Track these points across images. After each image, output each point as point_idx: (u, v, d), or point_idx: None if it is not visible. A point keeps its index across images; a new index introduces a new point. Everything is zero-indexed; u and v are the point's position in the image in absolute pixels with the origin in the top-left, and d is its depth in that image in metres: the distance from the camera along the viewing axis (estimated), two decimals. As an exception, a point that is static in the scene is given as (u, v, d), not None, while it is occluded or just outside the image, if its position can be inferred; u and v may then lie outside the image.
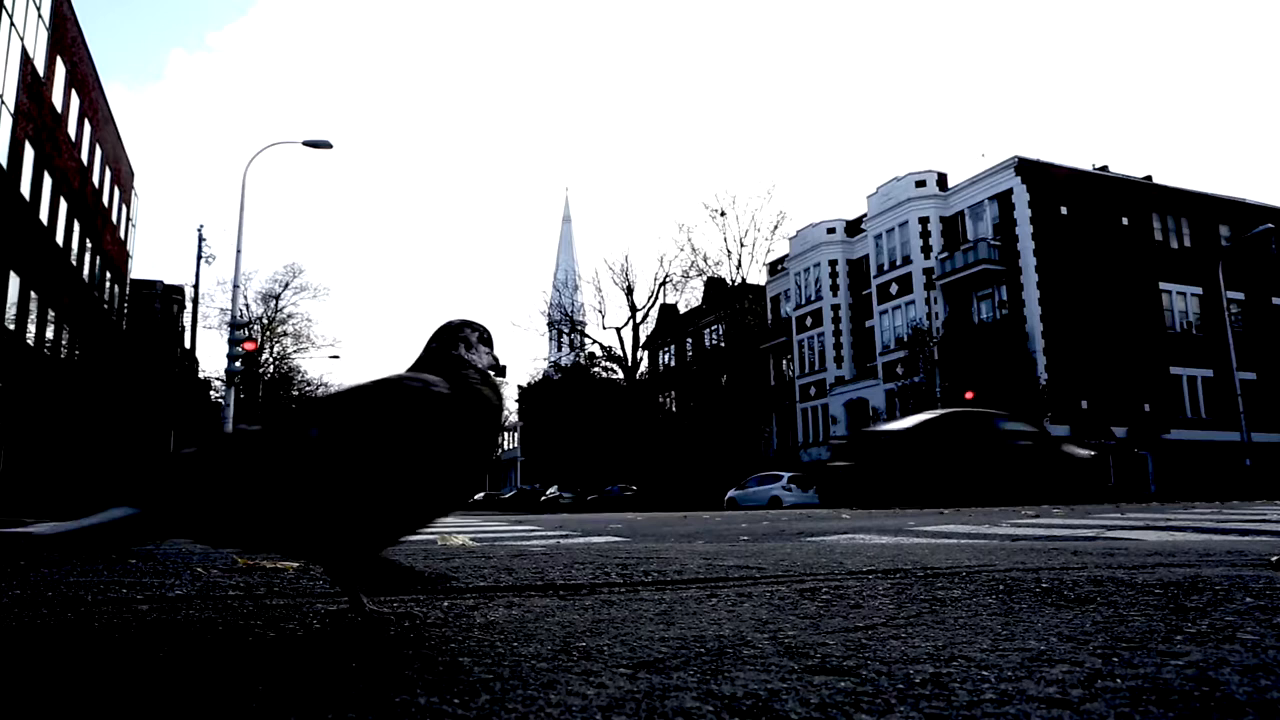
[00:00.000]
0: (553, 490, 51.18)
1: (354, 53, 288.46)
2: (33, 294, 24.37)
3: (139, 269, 47.66)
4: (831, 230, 45.01)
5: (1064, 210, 34.59)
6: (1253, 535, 6.22)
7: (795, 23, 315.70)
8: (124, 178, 36.90)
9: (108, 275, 34.36)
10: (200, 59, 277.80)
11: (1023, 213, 33.97)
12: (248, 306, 46.75)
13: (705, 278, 50.19)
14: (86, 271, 30.80)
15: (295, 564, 2.97)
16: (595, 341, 53.47)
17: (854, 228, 43.97)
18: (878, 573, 2.78)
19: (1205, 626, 1.65)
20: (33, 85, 23.54)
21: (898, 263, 38.81)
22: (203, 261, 34.26)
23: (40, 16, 23.96)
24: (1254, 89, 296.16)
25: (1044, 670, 1.27)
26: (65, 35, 26.49)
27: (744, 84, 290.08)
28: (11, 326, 22.87)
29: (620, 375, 52.86)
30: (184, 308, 43.25)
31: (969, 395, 31.43)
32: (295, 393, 55.02)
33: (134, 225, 39.73)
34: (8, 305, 22.51)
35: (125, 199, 37.48)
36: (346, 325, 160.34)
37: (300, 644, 1.50)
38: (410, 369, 1.64)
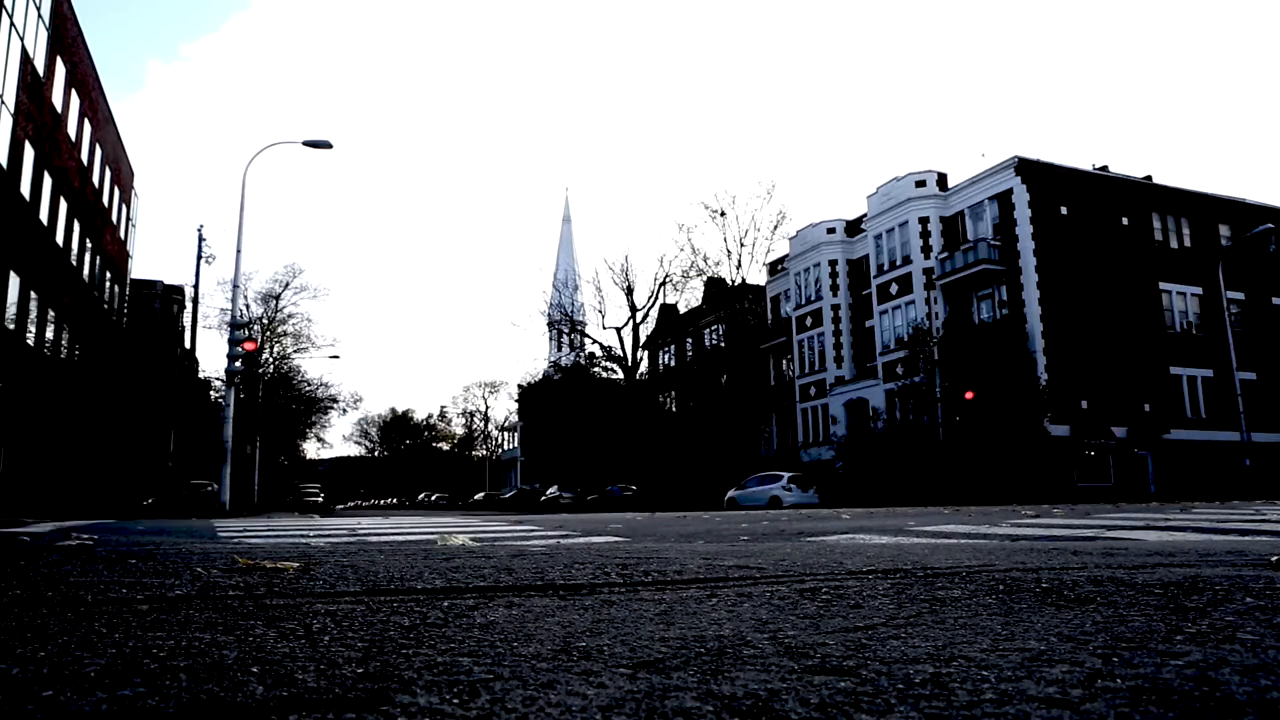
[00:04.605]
0: (553, 490, 51.15)
1: (354, 53, 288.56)
2: (33, 294, 24.38)
3: (139, 269, 47.67)
4: (831, 230, 45.02)
5: (1064, 210, 34.59)
6: (1253, 535, 6.23)
7: (795, 23, 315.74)
8: (124, 178, 36.91)
9: (108, 275, 34.36)
10: (178, 68, 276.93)
11: (1023, 213, 33.97)
12: (248, 306, 46.72)
13: (705, 278, 50.16)
14: (86, 271, 30.80)
15: (295, 564, 2.97)
16: (595, 341, 53.40)
17: (854, 228, 43.98)
18: (878, 573, 2.78)
19: (1205, 626, 1.65)
20: (33, 85, 23.54)
21: (898, 263, 38.82)
22: (203, 261, 34.28)
23: (40, 16, 23.96)
24: (1254, 89, 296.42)
25: (1044, 670, 1.27)
26: (65, 35, 26.49)
27: (744, 84, 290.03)
28: (11, 326, 22.88)
29: (620, 375, 52.82)
30: (184, 308, 43.25)
31: (969, 395, 31.44)
32: (295, 393, 55.06)
33: (134, 225, 39.73)
34: (8, 305, 22.51)
35: (125, 199, 37.48)
36: (346, 325, 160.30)
37: (300, 645, 1.49)
38: None
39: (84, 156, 29.61)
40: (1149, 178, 38.69)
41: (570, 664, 1.33)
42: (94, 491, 28.30)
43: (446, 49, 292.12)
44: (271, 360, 50.52)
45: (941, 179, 38.33)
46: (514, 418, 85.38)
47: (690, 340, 57.07)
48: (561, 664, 1.33)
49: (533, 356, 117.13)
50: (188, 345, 38.78)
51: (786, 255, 48.75)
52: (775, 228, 48.17)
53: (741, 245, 49.31)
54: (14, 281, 22.82)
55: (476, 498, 69.14)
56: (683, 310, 56.72)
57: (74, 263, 28.94)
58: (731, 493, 33.02)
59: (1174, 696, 1.09)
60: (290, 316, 51.05)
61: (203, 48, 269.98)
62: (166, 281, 44.69)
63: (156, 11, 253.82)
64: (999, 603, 2.05)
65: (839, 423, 40.98)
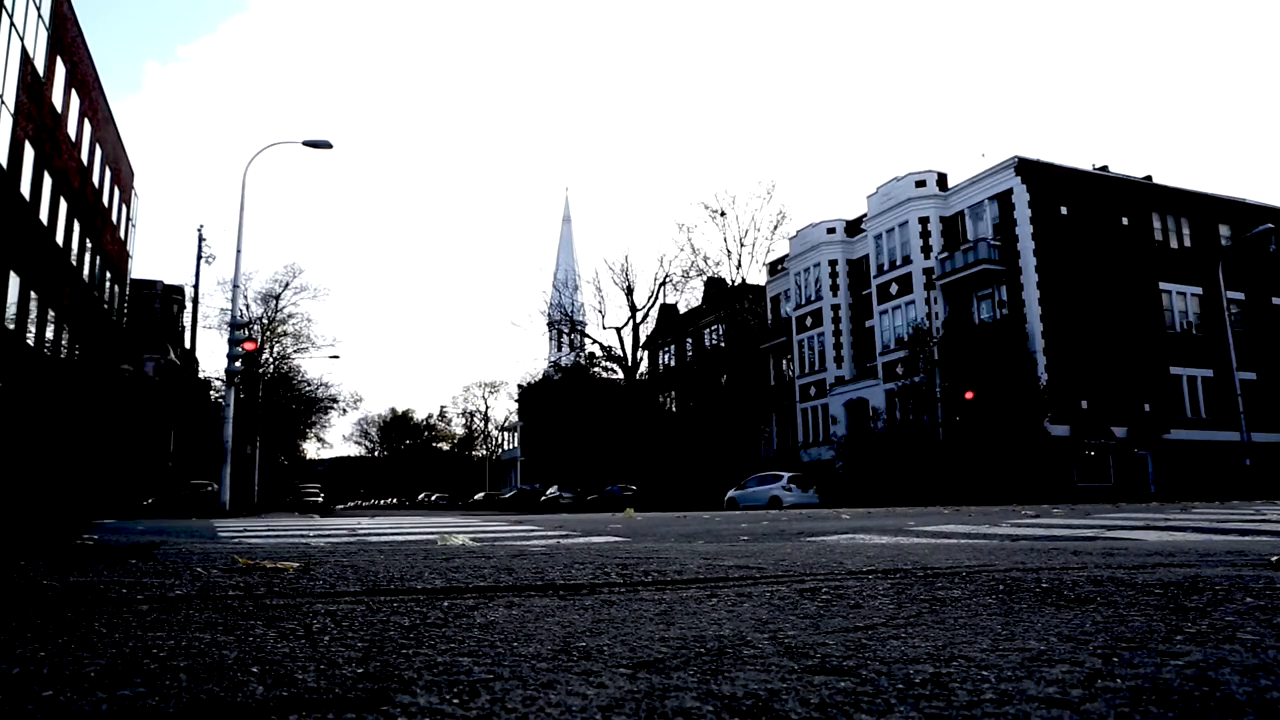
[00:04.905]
0: (553, 490, 51.17)
1: (354, 54, 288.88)
2: (33, 294, 24.38)
3: (139, 269, 47.68)
4: (831, 230, 45.03)
5: (1064, 210, 34.60)
6: (1253, 535, 6.23)
7: (795, 22, 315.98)
8: (124, 178, 36.91)
9: (108, 275, 34.36)
10: (176, 69, 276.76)
11: (1023, 213, 33.98)
12: (248, 306, 46.75)
13: (705, 278, 50.20)
14: (86, 271, 30.80)
15: (295, 564, 2.97)
16: (595, 341, 53.43)
17: (854, 228, 43.99)
18: (878, 573, 2.78)
19: (1205, 626, 1.65)
20: (33, 85, 23.54)
21: (898, 263, 38.83)
22: (203, 261, 34.30)
23: (40, 16, 23.96)
24: (1254, 89, 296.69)
25: (1044, 670, 1.27)
26: (65, 35, 26.49)
27: (743, 84, 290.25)
28: (11, 326, 22.88)
29: (620, 375, 52.85)
30: (184, 308, 43.28)
31: (969, 395, 31.44)
32: (295, 393, 55.09)
33: (134, 225, 39.74)
34: (8, 305, 22.51)
35: (125, 199, 37.48)
36: (346, 325, 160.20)
37: (300, 645, 1.49)
38: None
39: (84, 156, 29.61)
40: (1149, 178, 38.69)
41: (570, 664, 1.33)
42: (94, 491, 28.29)
43: (446, 49, 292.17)
44: (271, 360, 50.56)
45: (941, 179, 38.33)
46: (514, 418, 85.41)
47: (690, 340, 57.08)
48: (561, 664, 1.33)
49: (533, 356, 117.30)
50: (188, 345, 38.79)
51: (786, 255, 48.75)
52: (775, 228, 48.22)
53: (741, 245, 49.37)
54: (14, 281, 22.82)
55: (476, 498, 69.16)
56: (683, 310, 56.73)
57: (74, 263, 28.95)
58: (731, 493, 33.02)
59: (1174, 696, 1.09)
60: (290, 316, 51.11)
61: (200, 49, 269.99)
62: (166, 281, 44.74)
63: (152, 13, 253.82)
64: (999, 603, 2.05)
65: (839, 423, 40.98)
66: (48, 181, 25.28)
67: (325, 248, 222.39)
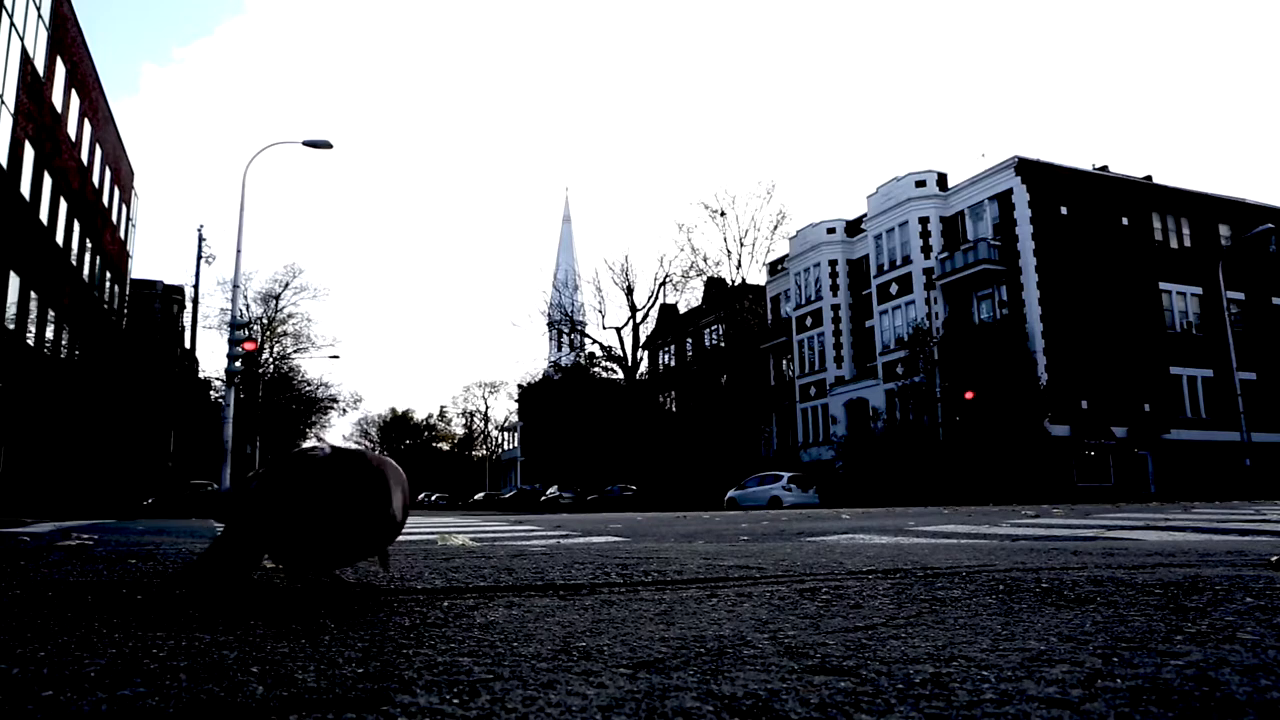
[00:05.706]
0: (553, 490, 51.16)
1: (354, 54, 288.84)
2: (33, 294, 24.37)
3: (139, 269, 47.74)
4: (831, 230, 45.03)
5: (1064, 210, 34.60)
6: (1253, 535, 6.23)
7: (794, 22, 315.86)
8: (124, 178, 36.90)
9: (108, 275, 34.36)
10: (174, 70, 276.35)
11: (1023, 213, 33.98)
12: (248, 306, 46.77)
13: (705, 278, 50.22)
14: (86, 271, 30.79)
15: (295, 564, 2.97)
16: (595, 341, 53.44)
17: (854, 228, 43.99)
18: (878, 573, 2.78)
19: (1205, 626, 1.65)
20: (33, 85, 23.53)
21: (898, 263, 38.82)
22: (203, 261, 34.29)
23: (40, 16, 23.96)
24: (1254, 89, 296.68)
25: (1044, 670, 1.27)
26: (65, 35, 26.49)
27: (743, 83, 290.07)
28: (11, 326, 22.87)
29: (620, 375, 52.85)
30: (184, 308, 43.27)
31: (969, 395, 31.44)
32: (295, 393, 55.08)
33: (134, 225, 39.73)
34: (8, 305, 22.51)
35: (125, 199, 37.47)
36: (346, 325, 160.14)
37: (300, 644, 1.49)
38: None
39: (84, 156, 29.61)
40: (1149, 178, 38.70)
41: (570, 664, 1.33)
42: (94, 491, 28.29)
43: (446, 49, 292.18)
44: (271, 360, 50.58)
45: (941, 179, 38.33)
46: (514, 418, 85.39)
47: (690, 340, 57.07)
48: (561, 664, 1.33)
49: (533, 356, 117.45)
50: (188, 345, 38.79)
51: (786, 255, 48.75)
52: (775, 228, 48.25)
53: (741, 245, 49.39)
54: (14, 281, 22.82)
55: (476, 498, 69.16)
56: (683, 310, 56.74)
57: (74, 263, 28.94)
58: (731, 493, 33.02)
59: (1174, 696, 1.09)
60: (290, 316, 51.16)
61: (197, 50, 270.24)
62: (166, 281, 44.81)
63: (147, 16, 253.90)
64: (999, 603, 2.05)
65: (839, 423, 40.98)
66: (48, 181, 25.27)
67: (325, 248, 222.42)
